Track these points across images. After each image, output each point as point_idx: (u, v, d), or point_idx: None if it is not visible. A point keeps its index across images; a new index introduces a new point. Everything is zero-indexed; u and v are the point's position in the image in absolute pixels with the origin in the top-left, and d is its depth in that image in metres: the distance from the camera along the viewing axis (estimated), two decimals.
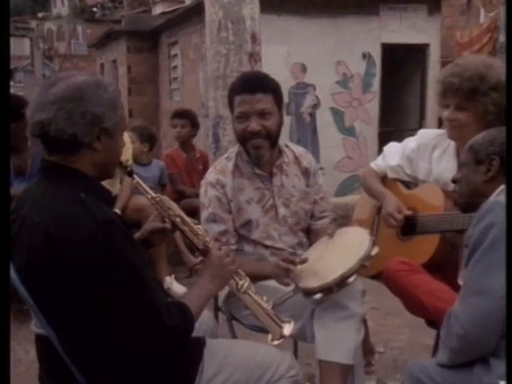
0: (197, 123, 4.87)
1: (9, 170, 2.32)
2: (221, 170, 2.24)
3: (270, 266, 2.11)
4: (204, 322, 1.87)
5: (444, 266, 2.18)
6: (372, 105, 8.39)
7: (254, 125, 2.12)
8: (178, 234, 1.78)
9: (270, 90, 2.15)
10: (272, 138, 2.18)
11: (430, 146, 2.40)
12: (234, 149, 2.31)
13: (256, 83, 2.15)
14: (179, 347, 1.54)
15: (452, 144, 2.35)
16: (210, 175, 2.24)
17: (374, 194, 2.52)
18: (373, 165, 2.59)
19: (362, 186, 2.66)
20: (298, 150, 2.39)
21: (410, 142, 2.47)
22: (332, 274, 1.88)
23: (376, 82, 8.36)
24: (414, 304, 2.09)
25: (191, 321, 1.55)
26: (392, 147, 2.56)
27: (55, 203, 1.46)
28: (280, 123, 2.20)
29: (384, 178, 2.54)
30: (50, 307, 1.46)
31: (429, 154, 2.40)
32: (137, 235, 1.78)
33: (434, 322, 2.05)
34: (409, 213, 2.33)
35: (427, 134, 2.47)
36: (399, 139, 2.55)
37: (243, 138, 2.18)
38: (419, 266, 2.15)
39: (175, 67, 10.37)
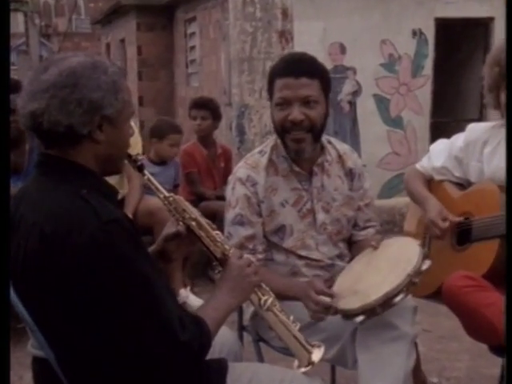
0: (219, 115, 4.87)
1: (9, 166, 2.34)
2: (253, 166, 2.25)
3: (301, 286, 2.09)
4: (227, 343, 1.89)
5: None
6: (423, 91, 8.32)
7: (296, 113, 2.12)
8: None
9: (316, 75, 2.15)
10: (315, 130, 2.17)
11: (480, 142, 2.40)
12: (270, 142, 2.32)
13: (301, 66, 2.16)
14: (196, 368, 1.56)
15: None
16: (240, 170, 2.26)
17: (415, 198, 2.55)
18: (418, 166, 2.61)
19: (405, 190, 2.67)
20: (342, 147, 2.39)
21: (458, 140, 2.48)
22: (375, 293, 1.89)
23: (428, 65, 8.28)
24: (482, 327, 2.07)
25: (208, 337, 1.57)
26: (439, 145, 2.58)
27: (53, 201, 1.49)
28: (326, 114, 2.20)
29: (431, 181, 2.56)
30: (48, 321, 1.48)
31: (479, 151, 2.39)
32: (152, 248, 1.80)
33: (501, 348, 2.04)
34: (457, 219, 2.32)
35: (477, 129, 2.47)
36: (455, 132, 2.54)
37: (282, 129, 2.18)
38: (487, 282, 2.13)
39: (193, 48, 10.43)
